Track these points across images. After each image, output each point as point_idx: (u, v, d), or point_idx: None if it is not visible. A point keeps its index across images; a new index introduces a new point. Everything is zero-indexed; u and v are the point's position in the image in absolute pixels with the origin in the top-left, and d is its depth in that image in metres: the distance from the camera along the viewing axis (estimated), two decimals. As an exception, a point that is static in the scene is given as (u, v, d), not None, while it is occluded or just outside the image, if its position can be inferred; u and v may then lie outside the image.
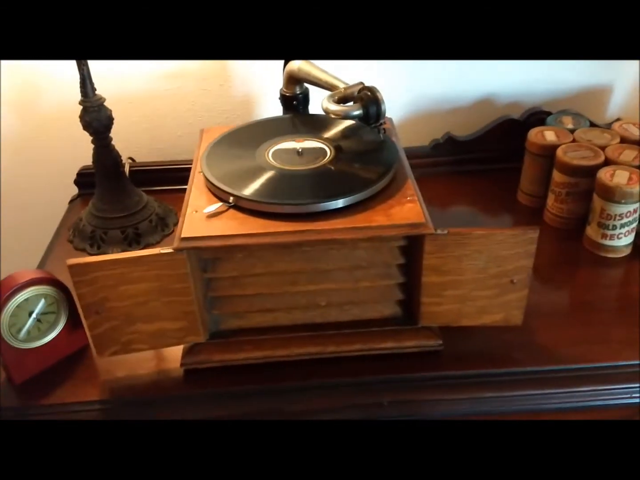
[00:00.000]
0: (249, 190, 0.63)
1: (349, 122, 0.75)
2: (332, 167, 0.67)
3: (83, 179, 0.98)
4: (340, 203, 0.62)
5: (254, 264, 0.64)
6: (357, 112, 0.68)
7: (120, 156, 0.87)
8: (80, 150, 0.90)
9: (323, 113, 0.70)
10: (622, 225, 0.78)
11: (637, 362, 0.67)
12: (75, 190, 1.01)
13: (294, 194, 0.63)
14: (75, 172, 0.99)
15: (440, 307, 0.65)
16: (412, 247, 0.64)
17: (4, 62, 0.94)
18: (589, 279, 0.79)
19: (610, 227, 0.78)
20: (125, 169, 0.95)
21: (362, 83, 0.72)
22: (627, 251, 0.81)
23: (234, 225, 0.61)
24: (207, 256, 0.63)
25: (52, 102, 0.98)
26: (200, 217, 0.63)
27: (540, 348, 0.68)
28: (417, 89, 1.03)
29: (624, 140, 0.87)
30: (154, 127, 1.04)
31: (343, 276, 0.65)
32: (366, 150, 0.71)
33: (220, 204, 0.63)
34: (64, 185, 1.01)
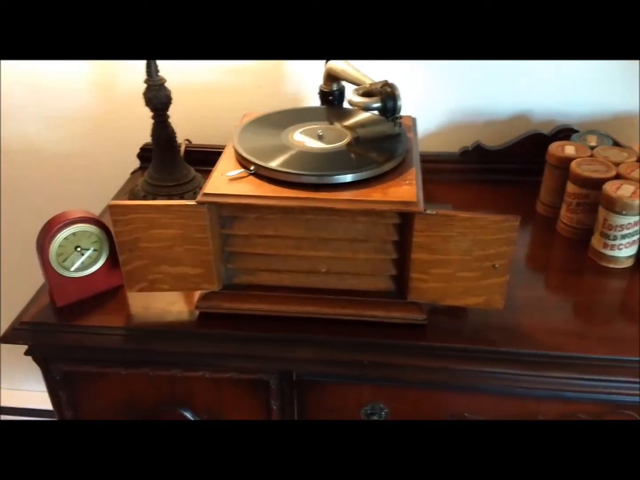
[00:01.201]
0: (268, 161, 0.73)
1: (369, 114, 0.84)
2: (346, 149, 0.76)
3: (145, 153, 1.12)
4: (342, 178, 0.70)
5: (264, 226, 0.73)
6: (376, 105, 0.77)
7: (175, 133, 0.98)
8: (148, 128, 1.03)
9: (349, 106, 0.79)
10: (623, 237, 0.81)
11: (608, 357, 0.70)
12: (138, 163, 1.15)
13: (307, 168, 0.72)
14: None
15: (427, 284, 0.72)
16: (405, 225, 0.71)
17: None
18: (586, 284, 0.83)
19: (612, 238, 0.82)
20: (182, 148, 1.08)
21: (386, 81, 0.80)
22: (629, 263, 0.84)
23: (249, 188, 0.71)
24: (225, 214, 0.73)
25: (126, 84, 1.13)
26: (223, 179, 0.73)
27: (519, 334, 0.73)
28: (458, 99, 1.09)
29: (640, 159, 0.90)
30: (214, 116, 1.16)
31: (342, 246, 0.73)
32: (380, 138, 0.79)
33: (242, 170, 0.73)
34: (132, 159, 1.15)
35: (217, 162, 0.77)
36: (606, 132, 1.03)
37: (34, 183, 1.25)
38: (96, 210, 1.02)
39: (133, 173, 1.14)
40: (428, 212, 0.68)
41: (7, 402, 1.49)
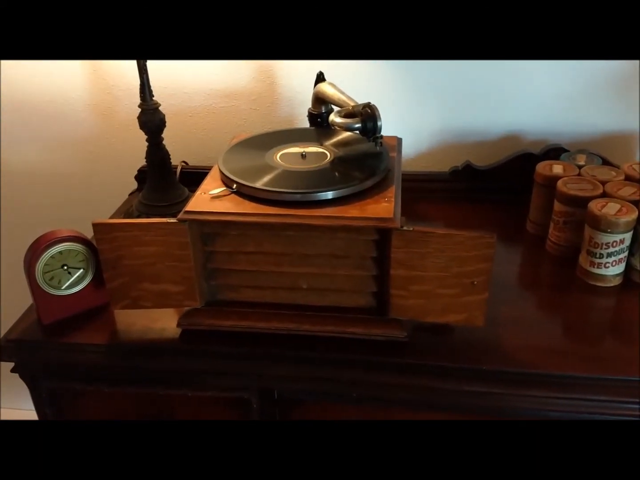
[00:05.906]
0: (251, 180, 0.74)
1: (351, 134, 0.85)
2: (328, 168, 0.77)
3: (142, 175, 1.14)
4: (323, 196, 0.71)
5: (246, 243, 0.74)
6: (356, 126, 0.78)
7: (169, 155, 1.00)
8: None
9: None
10: (609, 255, 0.81)
11: (592, 376, 0.69)
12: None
13: (289, 186, 0.73)
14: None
15: (407, 300, 0.72)
16: (383, 241, 0.71)
17: (93, 68, 1.12)
18: (573, 302, 0.82)
19: (598, 256, 0.81)
20: (178, 169, 1.10)
21: (368, 102, 0.81)
22: (616, 281, 0.83)
23: (230, 205, 0.72)
24: (207, 231, 0.74)
25: (126, 108, 1.15)
26: (206, 197, 0.74)
27: (503, 352, 0.73)
28: (450, 120, 1.10)
29: (628, 178, 0.90)
30: (209, 138, 1.18)
31: (322, 262, 0.74)
32: (362, 157, 0.80)
33: (224, 188, 0.75)
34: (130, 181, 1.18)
35: (202, 182, 0.79)
36: (598, 151, 1.03)
37: (35, 203, 1.28)
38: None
39: (131, 194, 1.16)
40: (405, 228, 0.68)
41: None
